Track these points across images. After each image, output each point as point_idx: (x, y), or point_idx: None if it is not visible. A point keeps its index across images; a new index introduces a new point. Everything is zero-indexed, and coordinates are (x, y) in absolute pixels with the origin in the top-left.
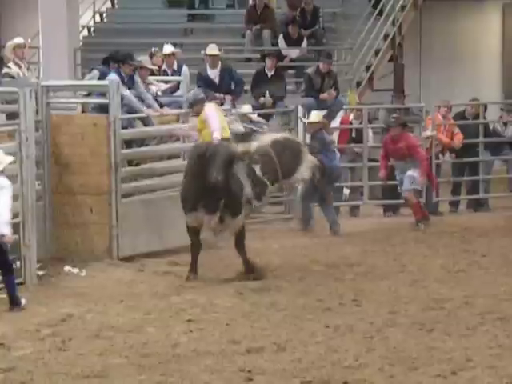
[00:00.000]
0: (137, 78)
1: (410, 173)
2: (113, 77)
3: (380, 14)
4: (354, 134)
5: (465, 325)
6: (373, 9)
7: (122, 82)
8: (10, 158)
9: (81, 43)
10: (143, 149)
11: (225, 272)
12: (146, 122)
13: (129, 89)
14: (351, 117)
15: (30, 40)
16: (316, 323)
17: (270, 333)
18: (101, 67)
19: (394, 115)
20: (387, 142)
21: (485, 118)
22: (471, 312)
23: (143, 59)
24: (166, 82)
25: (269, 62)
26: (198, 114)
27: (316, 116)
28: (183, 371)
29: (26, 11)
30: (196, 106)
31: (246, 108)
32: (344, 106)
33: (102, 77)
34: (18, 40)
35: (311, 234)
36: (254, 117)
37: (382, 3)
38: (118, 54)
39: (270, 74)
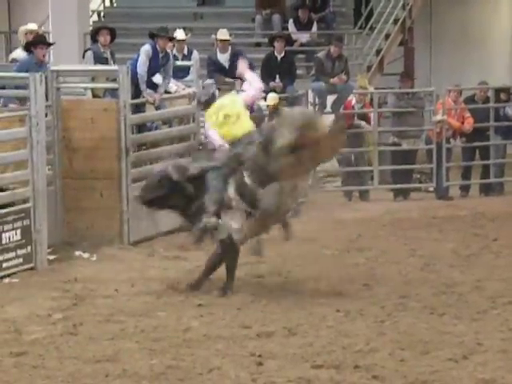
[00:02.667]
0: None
1: None
2: (146, 47)
3: None
4: (356, 118)
5: (476, 309)
6: None
7: (156, 56)
8: None
9: (91, 28)
10: (153, 133)
11: None
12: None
13: (162, 65)
14: (353, 101)
15: (43, 28)
16: (327, 308)
17: (281, 317)
18: (93, 46)
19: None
20: None
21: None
22: (482, 296)
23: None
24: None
25: (277, 44)
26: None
27: (272, 99)
28: (194, 355)
29: None
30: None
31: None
32: (354, 91)
33: (96, 56)
34: (32, 26)
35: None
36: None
37: None
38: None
39: (279, 57)
